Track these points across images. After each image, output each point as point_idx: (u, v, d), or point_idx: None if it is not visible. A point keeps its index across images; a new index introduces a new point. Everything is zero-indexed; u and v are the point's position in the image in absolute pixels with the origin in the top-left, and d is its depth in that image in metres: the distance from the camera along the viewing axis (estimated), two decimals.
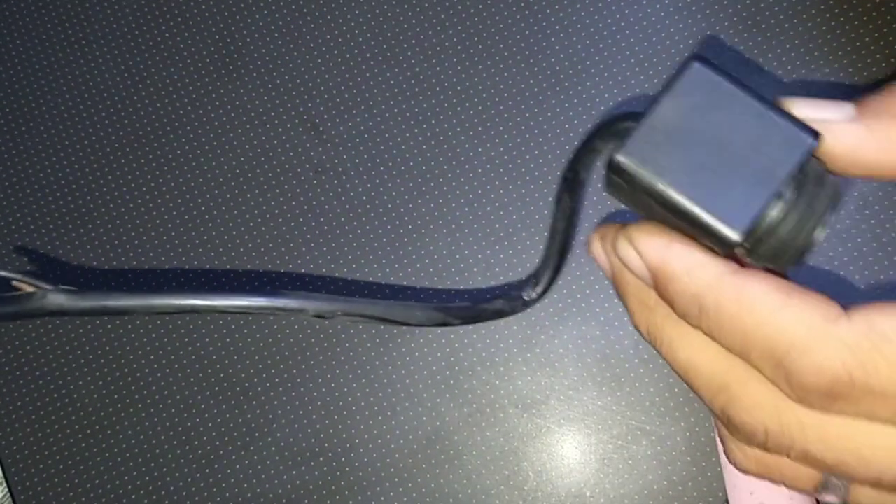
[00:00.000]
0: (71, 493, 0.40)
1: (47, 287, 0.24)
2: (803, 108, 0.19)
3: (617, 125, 0.21)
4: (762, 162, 0.18)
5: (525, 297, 0.29)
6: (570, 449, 0.38)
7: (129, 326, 0.42)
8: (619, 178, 0.19)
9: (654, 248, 0.19)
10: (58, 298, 0.24)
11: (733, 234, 0.18)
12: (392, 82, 0.42)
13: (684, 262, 0.19)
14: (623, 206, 0.22)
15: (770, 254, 0.18)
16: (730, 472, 0.34)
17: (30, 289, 0.24)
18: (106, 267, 0.42)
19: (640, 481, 0.37)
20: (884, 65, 0.39)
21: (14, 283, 0.24)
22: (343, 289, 0.41)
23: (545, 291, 0.29)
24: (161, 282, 0.42)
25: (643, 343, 0.38)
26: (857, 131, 0.19)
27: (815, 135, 0.18)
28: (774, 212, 0.18)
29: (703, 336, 0.19)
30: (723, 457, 0.35)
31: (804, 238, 0.18)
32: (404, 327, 0.40)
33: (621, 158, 0.18)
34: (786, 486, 0.21)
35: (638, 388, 0.38)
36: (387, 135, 0.42)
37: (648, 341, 0.22)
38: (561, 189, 0.27)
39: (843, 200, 0.19)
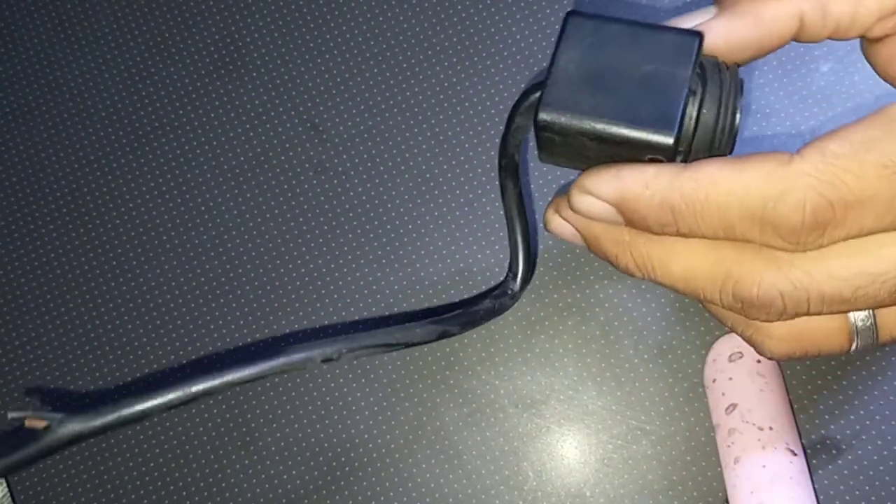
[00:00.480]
0: (71, 493, 0.40)
1: (58, 417, 0.23)
2: (677, 24, 0.21)
3: (529, 97, 0.23)
4: (664, 72, 0.19)
5: (510, 291, 0.30)
6: (569, 449, 0.38)
7: (130, 326, 0.42)
8: (549, 134, 0.20)
9: (606, 183, 0.20)
10: (73, 427, 0.24)
11: (667, 139, 0.19)
12: (392, 82, 0.43)
13: (639, 180, 0.19)
14: (563, 175, 0.23)
15: (704, 146, 0.20)
16: (730, 471, 0.34)
17: (41, 424, 0.24)
18: (106, 267, 0.42)
19: (639, 481, 0.37)
20: None
21: (27, 423, 0.24)
22: (343, 288, 0.41)
23: (526, 280, 0.30)
24: (162, 281, 0.42)
25: (643, 343, 0.38)
26: (726, 21, 0.20)
27: (697, 34, 0.20)
28: (693, 108, 0.20)
29: (687, 241, 0.20)
30: (723, 457, 0.35)
31: (727, 121, 0.20)
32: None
33: (543, 115, 0.20)
34: (822, 354, 0.22)
35: (638, 388, 0.38)
36: (387, 135, 0.42)
37: (642, 276, 0.22)
38: (502, 178, 0.28)
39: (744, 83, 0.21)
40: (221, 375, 0.26)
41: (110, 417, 0.25)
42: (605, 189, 0.20)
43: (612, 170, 0.20)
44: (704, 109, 0.20)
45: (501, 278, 0.38)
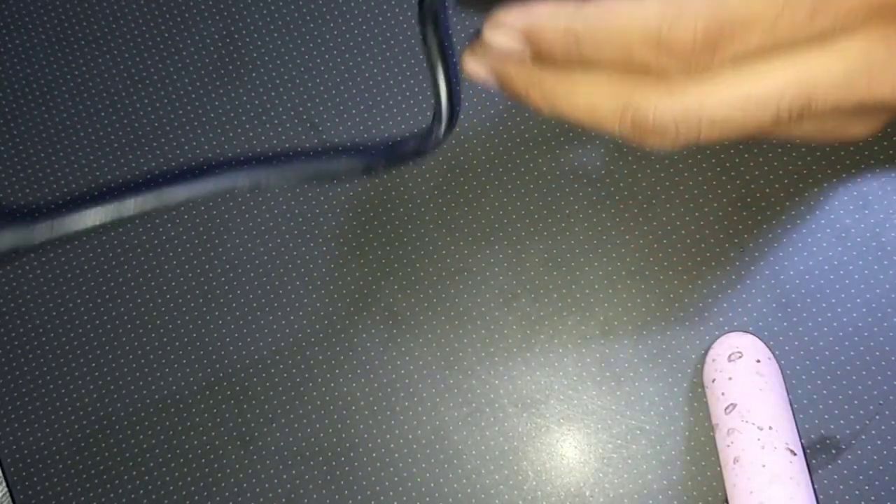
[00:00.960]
0: (71, 493, 0.40)
1: None
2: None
3: None
4: None
5: (434, 136, 0.30)
6: (569, 448, 0.38)
7: (130, 326, 0.42)
8: None
9: (516, 14, 0.21)
10: (5, 239, 0.21)
11: None
12: (392, 82, 0.43)
13: (545, 9, 0.21)
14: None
15: None
16: (729, 471, 0.34)
17: None
18: (105, 267, 0.42)
19: (639, 481, 0.37)
20: None
21: None
22: (343, 288, 0.41)
23: (451, 125, 0.30)
24: (161, 281, 0.42)
25: (643, 343, 0.38)
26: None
27: None
28: None
29: (590, 74, 0.21)
30: (722, 456, 0.35)
31: None
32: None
33: None
34: None
35: (638, 388, 0.38)
36: (387, 135, 0.42)
37: (549, 112, 0.23)
38: (422, 24, 0.29)
39: None
40: (155, 190, 0.24)
41: (49, 234, 0.22)
42: (513, 21, 0.21)
43: (522, 3, 0.21)
44: None
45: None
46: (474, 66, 0.25)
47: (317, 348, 0.40)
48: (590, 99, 0.22)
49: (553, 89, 0.23)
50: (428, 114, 0.42)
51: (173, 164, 0.43)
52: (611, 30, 0.20)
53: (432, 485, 0.38)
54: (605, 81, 0.21)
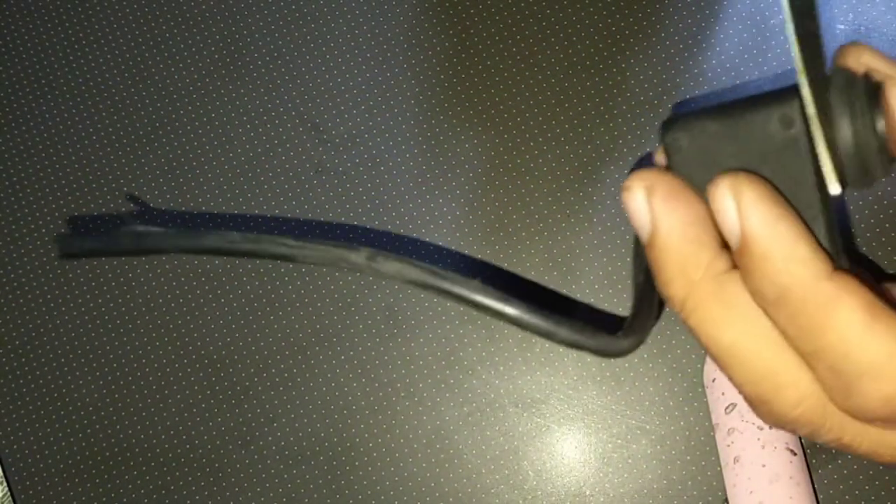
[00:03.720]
0: (71, 493, 0.40)
1: (144, 226, 0.22)
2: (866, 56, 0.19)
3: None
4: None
5: (613, 348, 0.24)
6: (569, 448, 0.38)
7: (130, 326, 0.42)
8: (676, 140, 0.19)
9: (764, 217, 0.17)
10: (87, 242, 0.23)
11: (791, 99, 0.17)
12: (392, 83, 0.43)
13: (786, 249, 0.17)
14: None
15: (852, 161, 0.17)
16: (729, 471, 0.34)
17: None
18: (106, 267, 0.42)
19: (639, 480, 0.37)
20: None
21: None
22: (343, 288, 0.41)
23: (629, 351, 0.25)
24: (161, 281, 0.42)
25: (643, 343, 0.38)
26: None
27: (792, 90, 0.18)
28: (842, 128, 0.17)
29: (760, 321, 0.18)
30: (722, 457, 0.35)
31: (868, 137, 0.17)
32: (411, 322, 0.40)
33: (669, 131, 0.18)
34: None
35: (638, 388, 0.38)
36: (387, 135, 0.42)
37: (677, 311, 0.19)
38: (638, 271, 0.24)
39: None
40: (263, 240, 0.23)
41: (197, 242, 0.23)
42: (757, 219, 0.17)
43: (777, 210, 0.17)
44: (839, 124, 0.17)
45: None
46: (638, 203, 0.19)
47: (317, 348, 0.40)
48: (736, 342, 0.18)
49: (703, 301, 0.18)
50: (428, 114, 0.42)
51: (174, 163, 0.43)
52: (815, 332, 0.16)
53: (432, 485, 0.38)
54: (765, 342, 0.18)
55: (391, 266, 0.22)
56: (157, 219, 0.43)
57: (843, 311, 0.16)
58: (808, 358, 0.17)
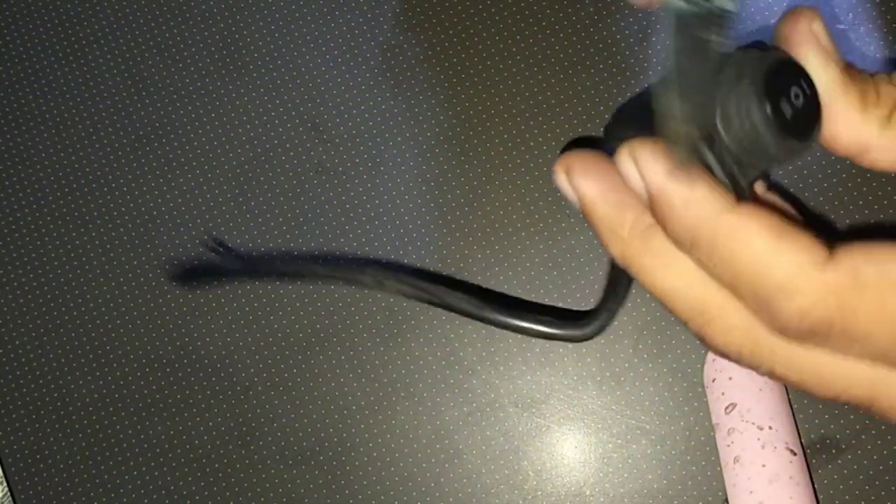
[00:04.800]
0: (71, 493, 0.40)
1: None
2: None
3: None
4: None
5: (577, 332, 0.27)
6: (569, 448, 0.38)
7: (130, 326, 0.42)
8: None
9: (656, 172, 0.19)
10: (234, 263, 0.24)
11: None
12: (392, 82, 0.43)
13: (684, 193, 0.18)
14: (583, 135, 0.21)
15: (747, 145, 0.19)
16: (729, 471, 0.34)
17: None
18: (106, 267, 0.42)
19: (639, 480, 0.37)
20: None
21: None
22: (343, 288, 0.41)
23: (594, 335, 0.27)
24: (161, 281, 0.42)
25: (643, 343, 0.38)
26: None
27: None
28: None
29: (684, 263, 0.20)
30: (722, 457, 0.35)
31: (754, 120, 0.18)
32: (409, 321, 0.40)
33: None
34: None
35: (638, 388, 0.38)
36: (387, 135, 0.42)
37: (622, 264, 0.22)
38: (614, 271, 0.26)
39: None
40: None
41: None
42: (652, 175, 0.19)
43: (668, 163, 0.19)
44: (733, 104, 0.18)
45: (502, 278, 0.38)
46: (564, 183, 0.22)
47: (317, 348, 0.40)
48: (670, 286, 0.20)
49: (635, 255, 0.21)
50: (428, 114, 0.42)
51: (174, 163, 0.43)
52: (728, 261, 0.18)
53: (432, 485, 0.38)
54: (693, 279, 0.20)
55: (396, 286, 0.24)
56: (156, 217, 0.43)
57: (749, 236, 0.18)
58: (731, 289, 0.19)
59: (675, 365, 0.38)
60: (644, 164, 0.19)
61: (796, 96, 0.18)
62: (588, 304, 0.39)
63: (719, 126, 0.18)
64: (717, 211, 0.18)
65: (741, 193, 0.19)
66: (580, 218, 0.40)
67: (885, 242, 0.17)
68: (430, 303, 0.25)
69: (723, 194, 0.18)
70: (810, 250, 0.17)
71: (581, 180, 0.21)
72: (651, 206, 0.19)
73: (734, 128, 0.18)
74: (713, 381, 0.36)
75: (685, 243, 0.19)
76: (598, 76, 0.41)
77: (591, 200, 0.21)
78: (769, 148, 0.18)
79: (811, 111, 0.18)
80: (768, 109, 0.18)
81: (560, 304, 0.40)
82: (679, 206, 0.19)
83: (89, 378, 0.41)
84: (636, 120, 0.20)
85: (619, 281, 0.26)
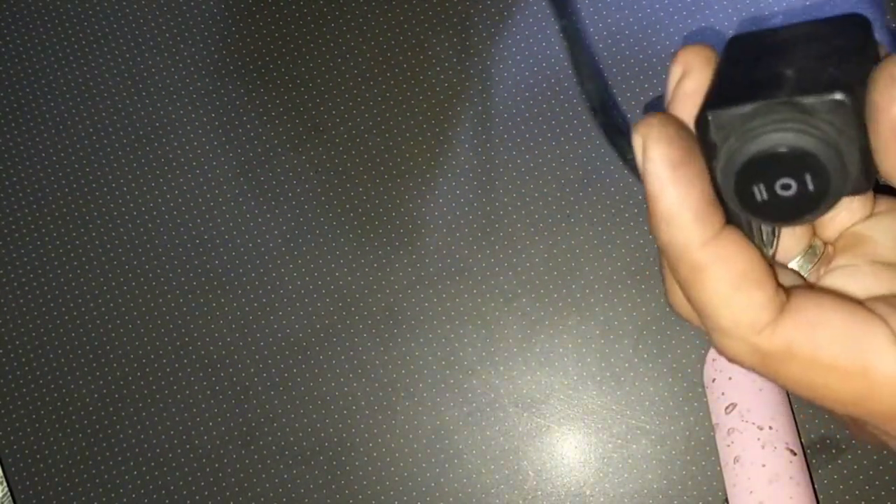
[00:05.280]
0: (71, 493, 0.40)
1: None
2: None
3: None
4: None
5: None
6: (569, 448, 0.38)
7: (130, 326, 0.42)
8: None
9: (657, 176, 0.18)
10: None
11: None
12: (392, 83, 0.43)
13: (669, 210, 0.18)
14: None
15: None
16: (730, 471, 0.34)
17: None
18: (107, 267, 0.42)
19: (639, 480, 0.37)
20: None
21: None
22: (343, 288, 0.41)
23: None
24: (161, 281, 0.42)
25: (643, 343, 0.38)
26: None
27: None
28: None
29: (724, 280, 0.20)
30: (722, 457, 0.35)
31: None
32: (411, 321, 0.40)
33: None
34: None
35: (638, 388, 0.38)
36: (387, 135, 0.42)
37: (662, 245, 0.21)
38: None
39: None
40: None
41: None
42: (654, 172, 0.18)
43: (672, 165, 0.18)
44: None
45: (501, 278, 0.38)
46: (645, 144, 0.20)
47: (317, 348, 0.40)
48: (679, 302, 0.21)
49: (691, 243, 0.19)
50: (428, 114, 0.42)
51: (174, 163, 0.43)
52: (686, 289, 0.19)
53: (432, 485, 0.38)
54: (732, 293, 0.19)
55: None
56: (156, 217, 0.43)
57: (707, 279, 0.18)
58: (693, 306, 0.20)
59: (675, 365, 0.38)
60: (648, 160, 0.18)
61: (785, 187, 0.18)
62: (588, 304, 0.39)
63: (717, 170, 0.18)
64: (687, 245, 0.18)
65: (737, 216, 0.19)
66: (580, 218, 0.40)
67: (839, 305, 0.18)
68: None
69: (705, 227, 0.18)
70: (758, 309, 0.18)
71: (638, 147, 0.19)
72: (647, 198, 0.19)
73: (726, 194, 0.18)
74: (713, 381, 0.36)
75: (659, 245, 0.19)
76: (597, 76, 0.41)
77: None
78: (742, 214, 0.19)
79: (804, 202, 0.18)
80: (732, 188, 0.18)
81: (560, 304, 0.40)
82: (660, 221, 0.18)
83: (89, 378, 0.41)
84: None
85: None
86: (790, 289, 0.19)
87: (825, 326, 0.18)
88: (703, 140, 0.18)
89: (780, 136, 0.17)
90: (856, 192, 0.18)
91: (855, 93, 0.17)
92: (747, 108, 0.17)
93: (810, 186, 0.17)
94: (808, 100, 0.17)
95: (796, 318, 0.18)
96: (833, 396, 0.18)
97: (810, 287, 0.20)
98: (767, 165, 0.18)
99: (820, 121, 0.17)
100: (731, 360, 0.19)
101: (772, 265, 0.19)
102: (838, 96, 0.16)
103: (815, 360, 0.18)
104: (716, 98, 0.18)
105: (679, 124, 0.18)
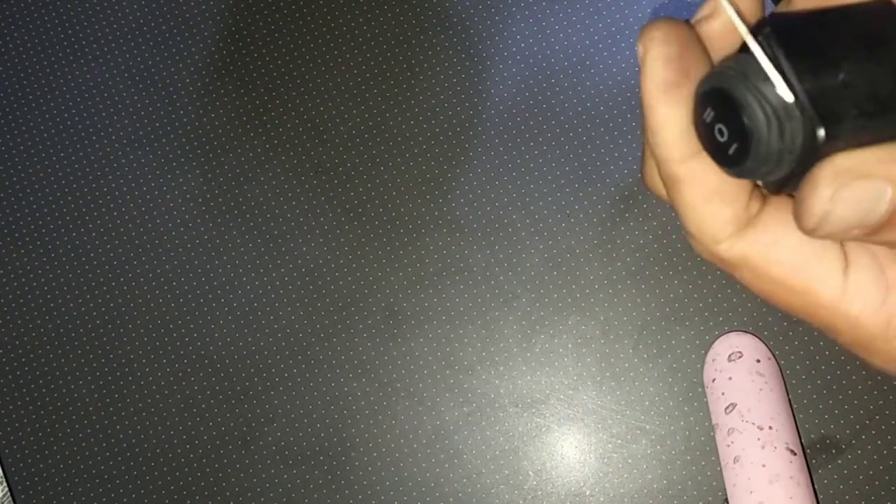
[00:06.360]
0: (71, 493, 0.40)
1: None
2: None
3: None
4: None
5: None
6: (569, 448, 0.38)
7: (130, 326, 0.42)
8: None
9: (651, 93, 0.19)
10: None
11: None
12: (392, 83, 0.43)
13: (656, 125, 0.20)
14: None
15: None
16: (729, 471, 0.34)
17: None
18: (106, 267, 0.42)
19: (639, 480, 0.37)
20: None
21: None
22: (343, 288, 0.41)
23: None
24: (161, 281, 0.42)
25: (643, 343, 0.38)
26: None
27: None
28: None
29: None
30: (722, 456, 0.35)
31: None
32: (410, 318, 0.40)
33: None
34: None
35: (637, 388, 0.38)
36: (387, 135, 0.42)
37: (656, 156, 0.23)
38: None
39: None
40: None
41: None
42: (649, 78, 0.19)
43: (666, 76, 0.19)
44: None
45: (502, 278, 0.38)
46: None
47: (317, 348, 0.40)
48: (701, 204, 0.21)
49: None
50: (428, 114, 0.42)
51: (174, 163, 0.43)
52: (670, 195, 0.20)
53: (432, 485, 0.38)
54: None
55: None
56: (156, 217, 0.43)
57: (683, 190, 0.19)
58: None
59: (675, 365, 0.38)
60: (645, 70, 0.19)
61: (720, 132, 0.18)
62: (588, 304, 0.39)
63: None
64: (668, 158, 0.20)
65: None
66: (580, 218, 0.40)
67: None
68: None
69: (683, 146, 0.19)
70: (722, 223, 0.18)
71: (639, 49, 0.20)
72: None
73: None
74: (713, 381, 0.36)
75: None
76: (598, 76, 0.41)
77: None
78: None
79: (723, 156, 0.18)
80: (703, 118, 0.18)
81: (560, 304, 0.40)
82: (649, 131, 0.20)
83: (89, 378, 0.41)
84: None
85: None
86: (769, 198, 0.19)
87: (781, 245, 0.19)
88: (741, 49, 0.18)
89: (746, 96, 0.17)
90: (766, 186, 0.19)
91: (840, 137, 0.17)
92: (770, 65, 0.17)
93: (731, 150, 0.18)
94: (803, 107, 0.17)
95: (757, 234, 0.20)
96: (782, 305, 0.19)
97: (789, 199, 0.21)
98: (719, 104, 0.18)
99: (790, 122, 0.17)
100: (702, 259, 0.19)
101: (756, 185, 0.20)
102: (821, 132, 0.16)
103: (765, 273, 0.19)
104: (784, 33, 0.17)
105: (682, 38, 0.19)
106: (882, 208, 0.17)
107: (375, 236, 0.41)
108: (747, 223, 0.20)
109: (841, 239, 0.18)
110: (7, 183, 0.44)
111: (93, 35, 0.45)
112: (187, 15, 0.44)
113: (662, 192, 0.23)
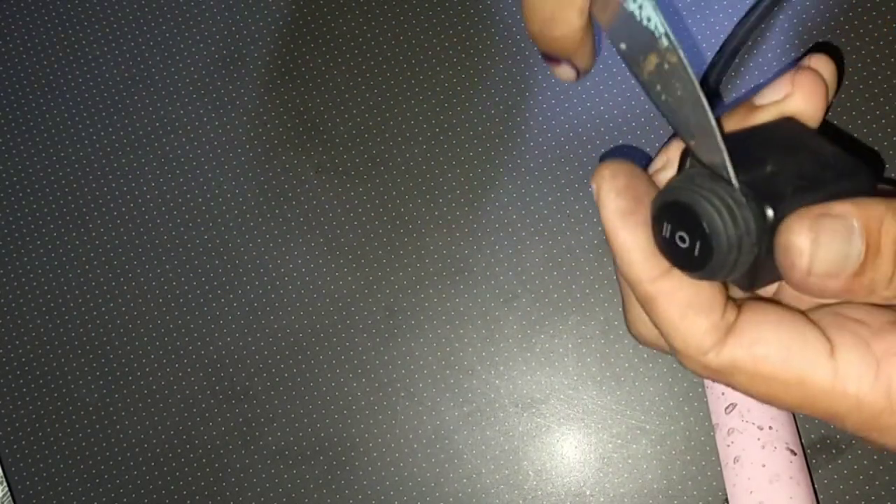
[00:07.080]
0: (71, 493, 0.40)
1: None
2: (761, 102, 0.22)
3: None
4: None
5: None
6: (569, 448, 0.38)
7: (130, 326, 0.42)
8: None
9: (611, 222, 0.21)
10: None
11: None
12: (392, 82, 0.43)
13: (621, 250, 0.21)
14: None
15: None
16: (730, 471, 0.34)
17: None
18: (106, 267, 0.42)
19: (639, 480, 0.37)
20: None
21: None
22: (343, 288, 0.41)
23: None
24: (161, 281, 0.42)
25: None
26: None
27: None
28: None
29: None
30: (722, 456, 0.35)
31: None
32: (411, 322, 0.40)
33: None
34: None
35: (638, 387, 0.38)
36: (387, 135, 0.42)
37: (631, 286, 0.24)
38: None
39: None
40: None
41: None
42: (607, 210, 0.21)
43: (622, 209, 0.21)
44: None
45: (502, 278, 0.38)
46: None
47: (317, 348, 0.40)
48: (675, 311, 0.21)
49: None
50: (428, 114, 0.42)
51: (174, 163, 0.43)
52: (648, 312, 0.22)
53: (432, 485, 0.38)
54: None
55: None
56: (156, 217, 0.43)
57: (658, 308, 0.21)
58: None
59: (675, 365, 0.38)
60: (602, 206, 0.21)
61: (681, 239, 0.20)
62: (588, 304, 0.39)
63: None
64: (638, 279, 0.21)
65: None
66: (580, 218, 0.40)
67: (781, 319, 0.20)
68: None
69: (652, 266, 0.20)
70: (703, 334, 0.20)
71: (594, 189, 0.22)
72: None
73: None
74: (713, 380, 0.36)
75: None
76: (598, 76, 0.41)
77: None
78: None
79: (688, 262, 0.20)
80: (662, 234, 0.20)
81: (560, 304, 0.40)
82: (615, 256, 0.21)
83: (89, 378, 0.41)
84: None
85: None
86: (743, 304, 0.21)
87: (765, 343, 0.20)
88: (680, 165, 0.21)
89: (697, 199, 0.19)
90: (736, 284, 0.20)
91: (785, 211, 0.19)
92: (705, 170, 0.19)
93: (696, 252, 0.19)
94: (747, 192, 0.18)
95: (740, 337, 0.20)
96: (779, 402, 0.20)
97: (764, 301, 0.22)
98: (674, 215, 0.20)
99: (740, 210, 0.19)
100: (694, 374, 0.22)
101: (726, 289, 0.22)
102: (769, 211, 0.18)
103: (757, 372, 0.20)
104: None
105: (629, 172, 0.21)
106: (858, 244, 0.18)
107: (375, 236, 0.41)
108: (727, 331, 0.21)
109: (827, 294, 0.19)
110: (7, 183, 0.44)
111: (93, 35, 0.45)
112: (187, 15, 0.44)
113: (649, 339, 0.24)
